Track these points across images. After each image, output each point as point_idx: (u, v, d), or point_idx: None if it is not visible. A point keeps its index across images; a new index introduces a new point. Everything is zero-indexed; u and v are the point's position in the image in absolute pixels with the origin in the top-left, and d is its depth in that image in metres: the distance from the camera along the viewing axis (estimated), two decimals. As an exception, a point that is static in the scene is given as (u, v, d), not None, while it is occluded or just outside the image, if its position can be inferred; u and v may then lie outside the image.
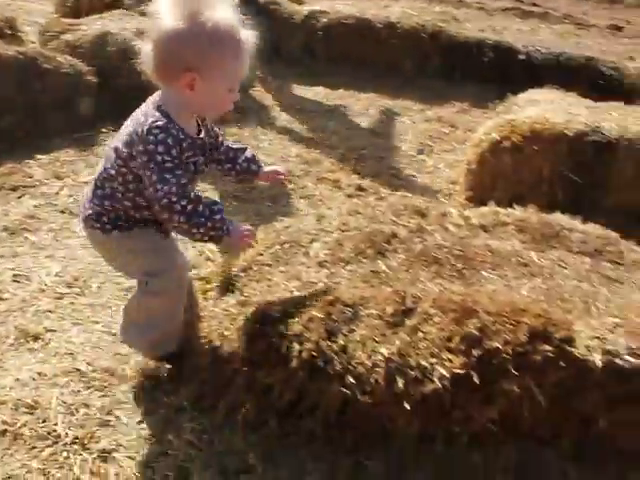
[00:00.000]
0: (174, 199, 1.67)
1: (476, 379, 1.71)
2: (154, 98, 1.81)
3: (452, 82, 5.27)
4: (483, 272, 2.06)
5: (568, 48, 5.46)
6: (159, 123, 1.69)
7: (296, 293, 1.98)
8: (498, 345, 1.72)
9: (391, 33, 5.39)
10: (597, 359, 1.73)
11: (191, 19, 1.66)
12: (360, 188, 3.52)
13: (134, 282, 2.09)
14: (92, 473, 1.76)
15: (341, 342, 1.80)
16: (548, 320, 1.78)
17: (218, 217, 1.73)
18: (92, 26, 4.27)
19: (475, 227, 2.29)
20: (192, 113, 1.81)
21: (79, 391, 2.03)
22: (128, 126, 1.80)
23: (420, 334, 1.78)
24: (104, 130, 3.79)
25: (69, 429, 1.88)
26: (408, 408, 1.73)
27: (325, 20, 5.53)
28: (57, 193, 3.22)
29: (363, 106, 4.85)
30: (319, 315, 1.85)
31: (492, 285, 1.98)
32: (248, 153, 2.05)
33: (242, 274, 2.23)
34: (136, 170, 1.75)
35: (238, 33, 1.72)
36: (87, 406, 1.97)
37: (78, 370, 2.11)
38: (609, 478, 1.89)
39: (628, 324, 1.87)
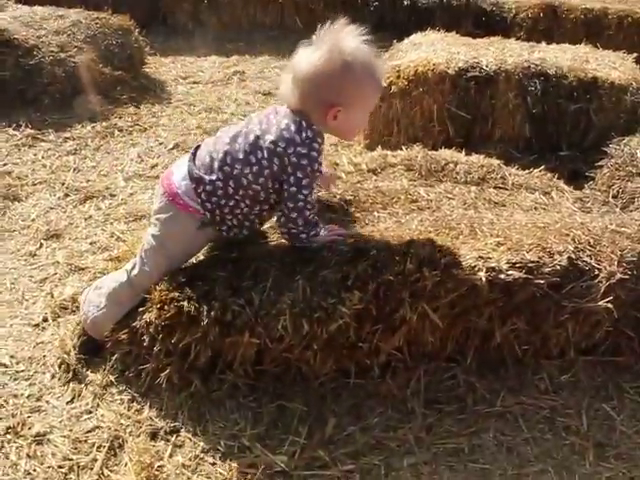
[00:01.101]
0: (309, 206, 1.88)
1: (374, 311, 1.84)
2: (287, 112, 1.89)
3: (343, 35, 5.35)
4: (375, 213, 2.18)
5: (450, -11, 5.60)
6: (320, 139, 1.85)
7: (201, 257, 2.06)
8: (390, 277, 1.85)
9: (277, -7, 5.41)
10: (482, 276, 1.89)
11: (335, 58, 1.78)
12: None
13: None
14: (29, 457, 1.82)
15: (246, 296, 1.89)
16: (434, 248, 1.92)
17: (314, 233, 1.97)
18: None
19: (365, 171, 2.41)
20: (333, 136, 2.01)
21: (6, 384, 2.06)
22: (271, 125, 1.87)
23: (319, 278, 1.90)
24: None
25: (0, 421, 1.93)
26: (315, 347, 1.85)
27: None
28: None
29: (259, 69, 4.89)
30: (223, 274, 1.94)
31: (384, 224, 2.11)
32: None
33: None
34: (281, 165, 1.84)
35: (376, 69, 1.87)
36: (16, 396, 2.02)
37: (2, 364, 2.14)
38: (511, 384, 2.07)
39: (510, 242, 2.04)
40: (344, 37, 1.81)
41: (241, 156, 1.87)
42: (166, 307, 1.90)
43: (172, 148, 3.65)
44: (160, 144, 3.71)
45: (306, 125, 1.83)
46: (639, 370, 2.16)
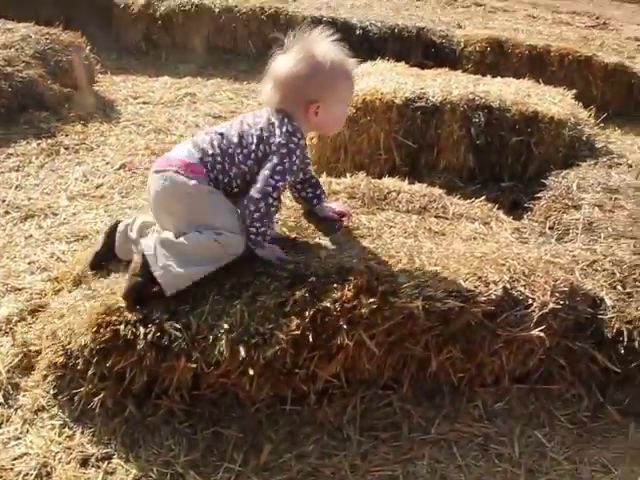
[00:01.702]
0: (274, 195, 2.00)
1: (311, 338, 1.85)
2: (272, 111, 2.07)
3: (296, 61, 5.41)
4: (317, 239, 2.20)
5: (401, 20, 5.73)
6: (299, 134, 2.03)
7: (140, 280, 2.04)
8: (328, 304, 1.87)
9: (231, 17, 5.44)
10: (419, 305, 1.92)
11: (308, 60, 2.00)
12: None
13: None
14: (-48, 488, 1.77)
15: (184, 320, 1.89)
16: (372, 276, 1.94)
17: (262, 233, 2.04)
18: None
19: (309, 198, 2.43)
20: (315, 132, 2.10)
21: None
22: (261, 118, 2.07)
23: (257, 303, 1.90)
24: None
25: None
26: (252, 373, 1.84)
27: (163, 8, 5.51)
28: None
29: (210, 92, 4.90)
30: (161, 297, 1.93)
31: (324, 250, 2.13)
32: (318, 190, 2.35)
33: (91, 271, 2.26)
34: (265, 152, 2.02)
35: (346, 64, 2.07)
36: (-60, 427, 1.95)
37: None
38: (446, 411, 2.10)
39: (447, 271, 2.08)
40: (314, 39, 2.04)
41: (235, 139, 2.04)
42: (102, 330, 1.88)
43: (118, 168, 3.62)
44: (106, 164, 3.68)
45: (287, 120, 2.03)
46: (570, 398, 2.21)
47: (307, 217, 2.35)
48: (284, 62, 2.03)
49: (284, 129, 2.01)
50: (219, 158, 2.03)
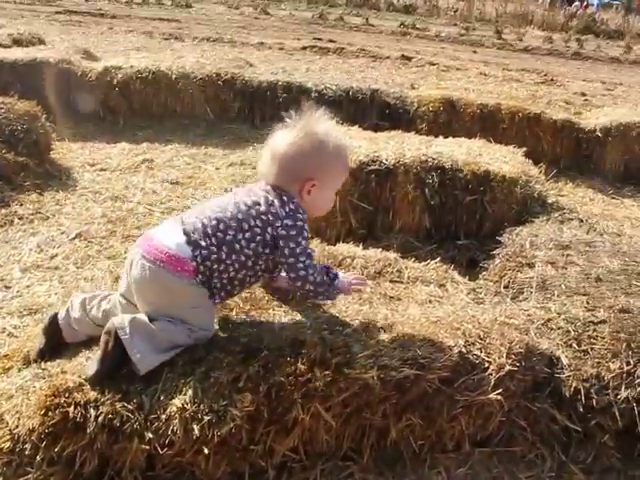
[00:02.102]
0: (310, 271, 2.02)
1: (266, 413, 1.82)
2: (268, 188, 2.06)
3: (253, 125, 5.49)
4: (270, 310, 2.19)
5: (355, 83, 5.86)
6: (301, 209, 2.04)
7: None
8: (282, 378, 1.85)
9: (187, 83, 5.51)
10: (373, 375, 1.91)
11: (311, 138, 2.03)
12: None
13: None
14: None
15: (136, 400, 1.84)
16: (326, 347, 1.93)
17: (331, 283, 2.11)
18: None
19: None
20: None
21: None
22: (259, 197, 2.04)
23: (211, 379, 1.87)
24: None
25: None
26: (206, 452, 1.80)
27: (121, 75, 5.55)
28: None
29: (168, 158, 4.91)
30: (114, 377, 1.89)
31: (278, 322, 2.12)
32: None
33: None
34: (272, 234, 2.00)
35: (345, 149, 2.13)
36: None
37: None
38: (408, 479, 2.07)
39: (402, 338, 2.08)
40: (317, 119, 2.09)
41: (234, 224, 1.99)
42: (50, 413, 1.82)
43: (74, 238, 3.57)
44: (62, 233, 3.63)
45: (287, 199, 2.02)
46: (533, 459, 2.20)
47: (262, 287, 2.34)
48: (286, 137, 2.05)
49: (287, 209, 2.00)
50: (214, 248, 1.96)
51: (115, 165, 4.73)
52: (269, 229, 1.99)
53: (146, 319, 1.95)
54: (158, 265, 1.92)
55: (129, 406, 1.82)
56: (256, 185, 2.12)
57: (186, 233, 1.96)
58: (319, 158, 2.05)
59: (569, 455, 2.21)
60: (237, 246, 1.98)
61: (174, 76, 5.52)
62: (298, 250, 2.00)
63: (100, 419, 1.80)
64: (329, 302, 2.23)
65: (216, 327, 2.09)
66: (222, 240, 1.96)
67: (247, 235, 1.98)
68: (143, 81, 5.54)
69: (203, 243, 1.95)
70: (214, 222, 1.98)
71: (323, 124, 2.09)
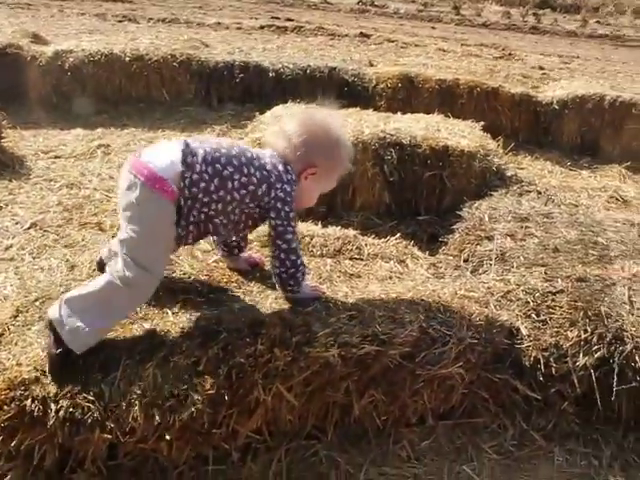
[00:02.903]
0: (297, 240, 2.08)
1: (228, 396, 1.81)
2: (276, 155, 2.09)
3: (210, 107, 5.41)
4: (229, 292, 2.17)
5: (313, 61, 5.80)
6: (295, 185, 2.06)
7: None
8: (242, 359, 1.84)
9: (142, 65, 5.39)
10: (334, 352, 1.91)
11: (335, 131, 2.12)
12: (124, 227, 3.50)
13: None
14: None
15: (96, 390, 1.81)
16: (286, 327, 1.93)
17: (303, 274, 2.11)
18: None
19: (221, 249, 2.40)
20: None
21: None
22: (264, 155, 2.07)
23: (171, 364, 1.85)
24: None
25: None
26: (168, 438, 1.78)
27: (72, 59, 5.39)
28: None
29: (124, 142, 4.81)
30: (71, 367, 1.85)
31: (238, 303, 2.10)
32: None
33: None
34: (267, 192, 2.01)
35: (351, 153, 2.18)
36: None
37: None
38: (373, 455, 2.08)
39: (362, 315, 2.08)
40: (337, 116, 2.24)
41: (236, 162, 1.99)
42: (6, 407, 1.78)
43: (29, 227, 3.48)
44: (16, 223, 3.53)
45: (290, 169, 2.06)
46: (496, 429, 2.23)
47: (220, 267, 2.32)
48: (307, 118, 2.13)
49: (289, 177, 2.05)
50: (206, 176, 1.93)
51: (70, 152, 4.61)
52: (264, 186, 2.00)
53: (75, 291, 1.93)
54: (138, 178, 1.90)
55: (89, 397, 1.79)
56: (261, 149, 2.16)
57: (184, 153, 1.94)
58: (330, 150, 2.10)
59: (530, 423, 2.25)
60: (229, 184, 1.97)
61: (128, 59, 5.38)
62: (291, 215, 2.04)
63: (61, 413, 1.76)
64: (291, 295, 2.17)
65: (162, 278, 2.01)
66: (218, 172, 1.96)
67: (243, 180, 1.98)
68: (96, 65, 5.38)
69: (198, 168, 1.93)
70: (217, 154, 1.98)
71: (340, 122, 2.24)
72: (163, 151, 1.98)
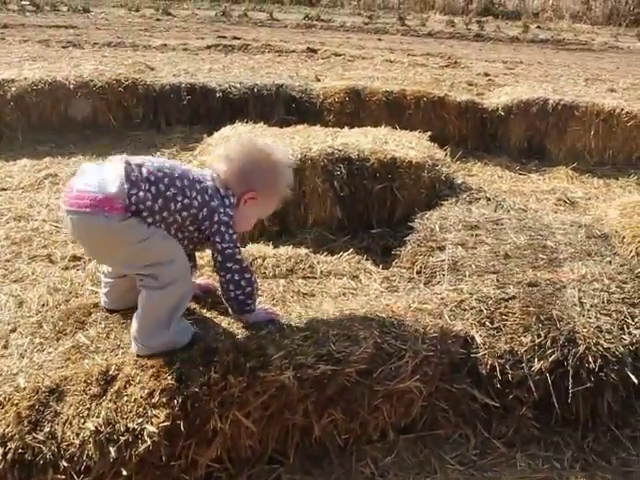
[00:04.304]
0: (244, 262, 2.08)
1: (184, 426, 1.79)
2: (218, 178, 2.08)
3: (159, 130, 5.37)
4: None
5: (260, 79, 5.81)
6: (234, 209, 2.07)
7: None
8: (196, 389, 1.81)
9: (87, 92, 5.32)
10: (289, 375, 1.90)
11: (276, 157, 2.14)
12: (75, 257, 3.44)
13: None
14: None
15: (47, 429, 1.77)
16: (239, 352, 1.91)
17: (255, 296, 2.12)
18: None
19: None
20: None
21: None
22: (206, 179, 2.07)
23: (125, 398, 1.82)
24: None
25: None
26: (125, 474, 1.75)
27: (15, 89, 5.29)
28: None
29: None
30: (21, 411, 1.80)
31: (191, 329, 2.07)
32: (191, 263, 2.24)
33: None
34: (208, 216, 2.01)
35: (291, 181, 2.20)
36: None
37: None
38: (336, 476, 2.07)
39: (316, 335, 2.07)
40: (278, 146, 2.25)
41: (178, 184, 1.98)
42: (-48, 454, 1.73)
43: (-23, 264, 3.40)
44: (-38, 260, 3.45)
45: (231, 193, 2.07)
46: (458, 439, 2.24)
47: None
48: (249, 144, 2.17)
49: (230, 201, 2.06)
50: (150, 196, 1.92)
51: (17, 183, 4.52)
52: (205, 210, 2.00)
53: (136, 324, 1.99)
54: (83, 213, 1.87)
55: (39, 437, 1.75)
56: (205, 170, 2.15)
57: (127, 171, 1.91)
58: (270, 176, 2.11)
59: (491, 431, 2.26)
60: (172, 206, 1.96)
61: (72, 86, 5.32)
62: (235, 237, 2.04)
63: (9, 456, 1.72)
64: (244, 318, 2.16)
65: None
66: (162, 193, 1.94)
67: (185, 202, 1.98)
68: (39, 93, 5.30)
69: (142, 185, 1.91)
70: (160, 174, 1.96)
71: (284, 150, 2.28)
72: (93, 174, 1.94)
